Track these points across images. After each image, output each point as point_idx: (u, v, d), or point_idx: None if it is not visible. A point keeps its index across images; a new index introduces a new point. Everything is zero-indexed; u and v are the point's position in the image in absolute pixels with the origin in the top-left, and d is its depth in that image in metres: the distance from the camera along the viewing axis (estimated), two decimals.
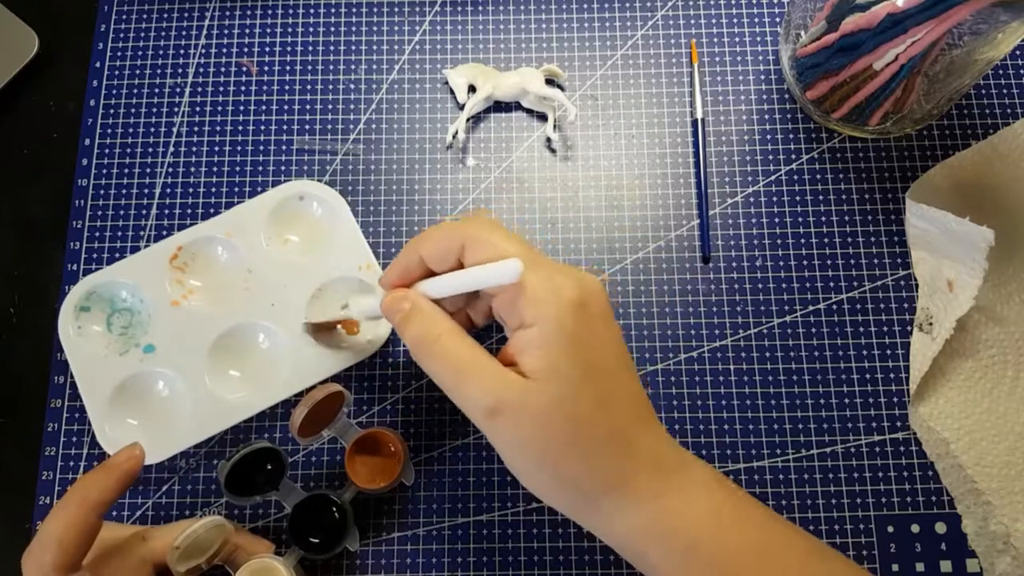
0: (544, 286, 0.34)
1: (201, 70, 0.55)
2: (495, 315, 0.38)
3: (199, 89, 0.55)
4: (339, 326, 0.49)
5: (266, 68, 0.55)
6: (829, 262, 0.51)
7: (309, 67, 0.55)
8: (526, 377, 0.33)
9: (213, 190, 0.53)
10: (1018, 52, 0.54)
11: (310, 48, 0.55)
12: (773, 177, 0.52)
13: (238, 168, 0.53)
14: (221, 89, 0.55)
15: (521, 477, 0.35)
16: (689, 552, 0.34)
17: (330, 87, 0.54)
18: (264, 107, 0.54)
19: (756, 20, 0.55)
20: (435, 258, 0.37)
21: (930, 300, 0.49)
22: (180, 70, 0.55)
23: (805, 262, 0.51)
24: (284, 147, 0.53)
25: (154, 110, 0.54)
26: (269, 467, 0.43)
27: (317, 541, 0.44)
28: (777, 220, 0.52)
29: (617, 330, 0.36)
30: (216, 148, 0.53)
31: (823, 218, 0.51)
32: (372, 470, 0.45)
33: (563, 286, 0.34)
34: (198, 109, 0.54)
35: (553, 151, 0.53)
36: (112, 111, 0.54)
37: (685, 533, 0.34)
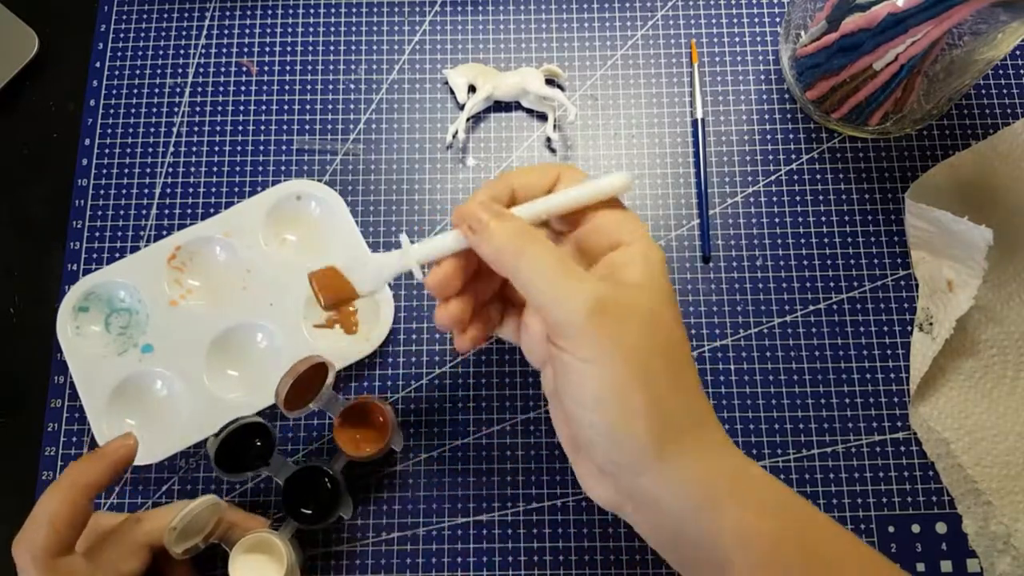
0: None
1: (201, 70, 0.55)
2: (578, 246, 0.36)
3: (199, 89, 0.55)
4: (338, 324, 0.49)
5: (266, 68, 0.55)
6: (829, 262, 0.51)
7: (309, 67, 0.55)
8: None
9: (213, 190, 0.53)
10: (1018, 52, 0.54)
11: (310, 48, 0.55)
12: (773, 177, 0.52)
13: (238, 168, 0.53)
14: (221, 89, 0.55)
15: (595, 402, 0.30)
16: (780, 509, 0.31)
17: (330, 87, 0.54)
18: (264, 107, 0.54)
19: (756, 20, 0.55)
20: (528, 186, 0.36)
21: (930, 300, 0.49)
22: (180, 70, 0.55)
23: (805, 262, 0.51)
24: (284, 147, 0.53)
25: (154, 110, 0.54)
26: (259, 443, 0.43)
27: (311, 512, 0.44)
28: (777, 220, 0.51)
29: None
30: (216, 148, 0.53)
31: (823, 218, 0.51)
32: (361, 439, 0.45)
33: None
34: (198, 109, 0.54)
35: (553, 151, 0.53)
36: (112, 111, 0.54)
37: (776, 489, 0.31)
